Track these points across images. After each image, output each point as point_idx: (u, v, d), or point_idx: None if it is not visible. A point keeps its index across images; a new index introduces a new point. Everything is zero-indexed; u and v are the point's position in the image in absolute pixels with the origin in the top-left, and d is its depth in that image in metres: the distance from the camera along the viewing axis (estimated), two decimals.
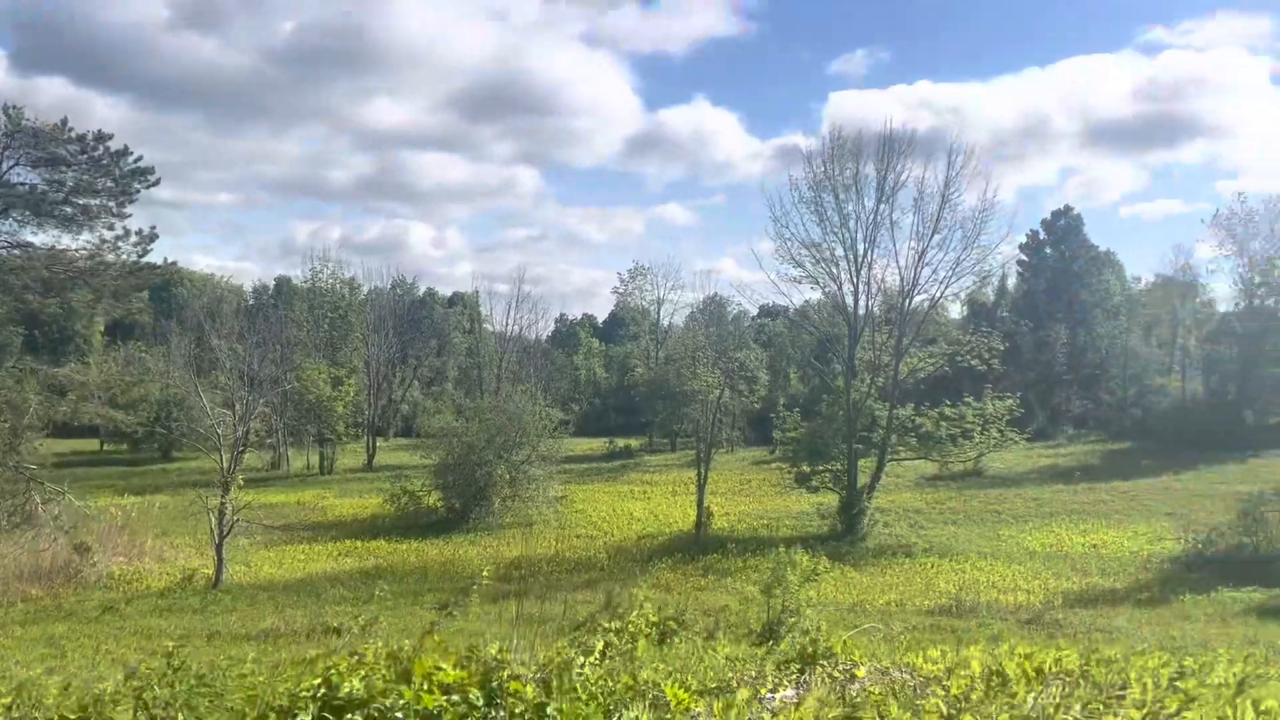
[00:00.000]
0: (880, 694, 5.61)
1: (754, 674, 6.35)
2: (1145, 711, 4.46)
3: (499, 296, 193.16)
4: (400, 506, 54.33)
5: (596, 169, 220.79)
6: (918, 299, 53.61)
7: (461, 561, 43.81)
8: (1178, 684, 5.20)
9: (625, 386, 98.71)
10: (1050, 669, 6.85)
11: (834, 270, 52.11)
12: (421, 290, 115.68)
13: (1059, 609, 33.22)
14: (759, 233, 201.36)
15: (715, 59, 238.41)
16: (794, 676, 6.60)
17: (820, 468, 51.65)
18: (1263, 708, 4.36)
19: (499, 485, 52.37)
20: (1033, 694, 5.04)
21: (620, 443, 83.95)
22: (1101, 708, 4.69)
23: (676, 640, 9.74)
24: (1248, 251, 74.95)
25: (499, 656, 6.24)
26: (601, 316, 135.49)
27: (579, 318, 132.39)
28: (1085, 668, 7.16)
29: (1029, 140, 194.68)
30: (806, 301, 67.11)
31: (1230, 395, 75.58)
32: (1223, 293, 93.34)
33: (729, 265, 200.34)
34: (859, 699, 5.73)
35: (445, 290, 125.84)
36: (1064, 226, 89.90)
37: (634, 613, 6.98)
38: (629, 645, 6.92)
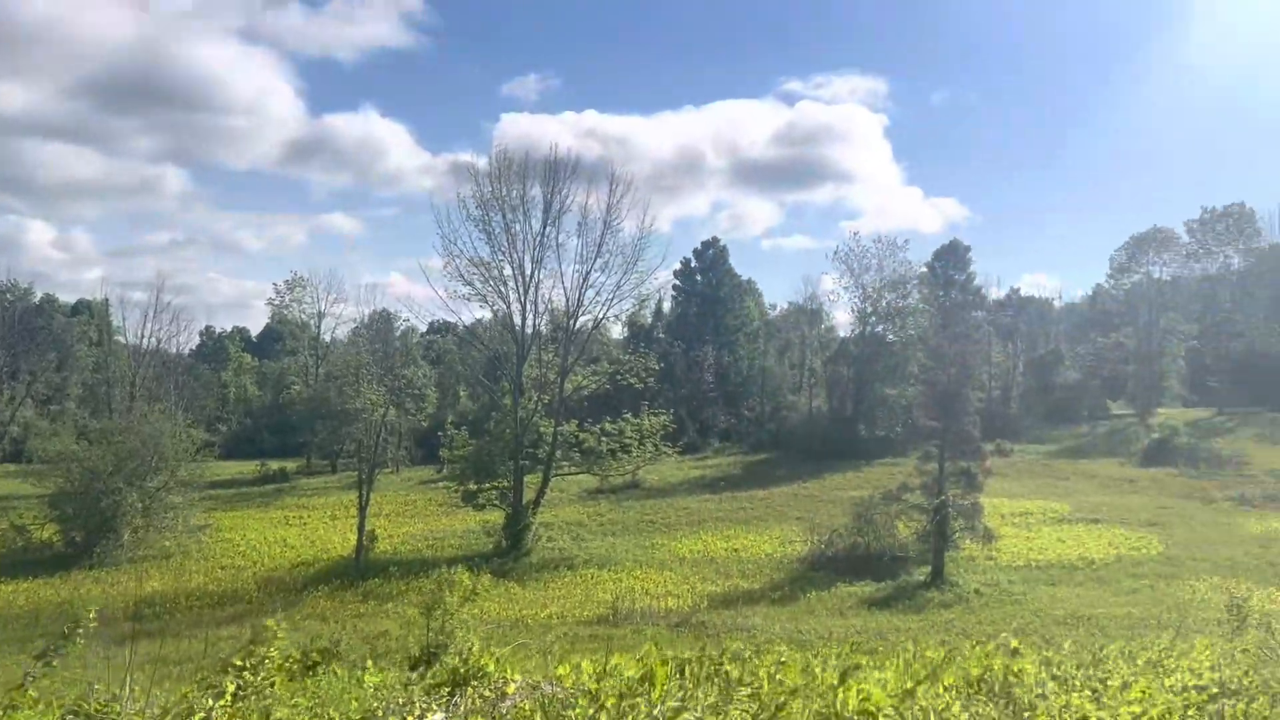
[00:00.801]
0: (530, 709, 5.63)
1: (402, 701, 6.12)
2: (759, 705, 4.81)
3: (134, 306, 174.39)
4: (7, 542, 47.39)
5: (253, 172, 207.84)
6: (582, 319, 55.57)
7: (84, 601, 38.89)
8: (779, 677, 5.69)
9: (281, 405, 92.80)
10: (690, 670, 7.26)
11: (503, 289, 52.68)
12: (38, 296, 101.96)
13: (705, 611, 35.61)
14: (430, 248, 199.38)
15: (386, 69, 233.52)
16: (444, 700, 6.46)
17: (487, 485, 51.73)
18: (862, 696, 4.87)
19: (130, 515, 47.33)
20: (670, 696, 5.29)
21: (274, 465, 78.82)
22: (723, 703, 5.01)
23: (322, 673, 9.22)
24: (862, 284, 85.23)
25: (104, 709, 5.54)
26: (255, 330, 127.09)
27: (229, 331, 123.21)
28: (719, 665, 7.67)
29: (685, 174, 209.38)
30: (477, 319, 67.25)
31: (848, 411, 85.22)
32: (842, 320, 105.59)
33: (399, 280, 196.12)
34: (509, 716, 5.71)
35: (69, 297, 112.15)
36: (712, 256, 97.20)
37: (271, 647, 6.49)
38: (267, 683, 6.41)
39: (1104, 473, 69.16)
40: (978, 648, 7.68)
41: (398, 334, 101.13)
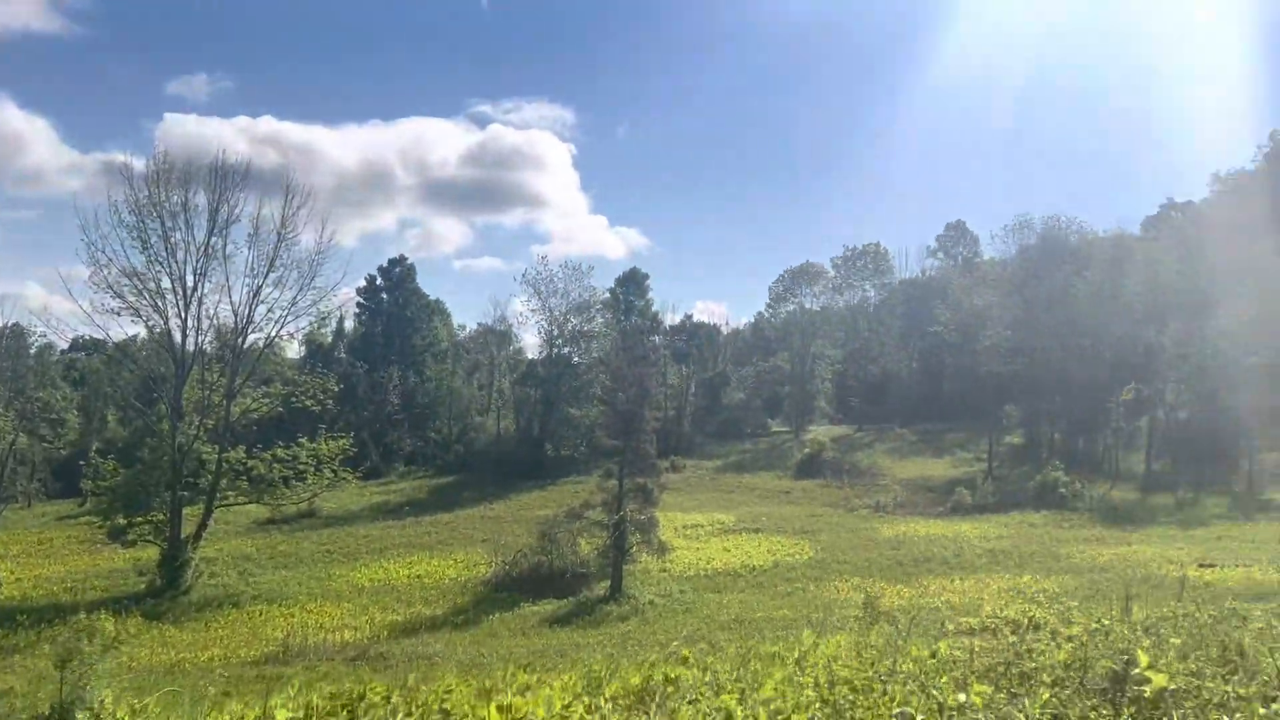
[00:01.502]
0: None
1: None
2: None
3: None
4: None
5: None
6: (253, 337, 52.05)
7: None
8: (444, 705, 5.65)
9: None
10: (360, 708, 6.99)
11: (160, 303, 48.13)
12: None
13: (386, 641, 34.44)
14: (74, 256, 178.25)
15: (27, 56, 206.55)
16: None
17: (139, 519, 46.88)
18: (519, 716, 4.95)
19: None
20: None
21: None
22: None
23: None
24: (550, 307, 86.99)
25: None
26: None
27: None
28: (390, 699, 7.45)
29: (373, 189, 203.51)
30: (129, 336, 60.99)
31: (535, 431, 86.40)
32: (530, 342, 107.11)
33: (37, 291, 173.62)
34: None
35: None
36: (399, 274, 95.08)
37: None
38: None
39: (764, 485, 75.23)
40: (640, 658, 8.03)
41: (32, 351, 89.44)
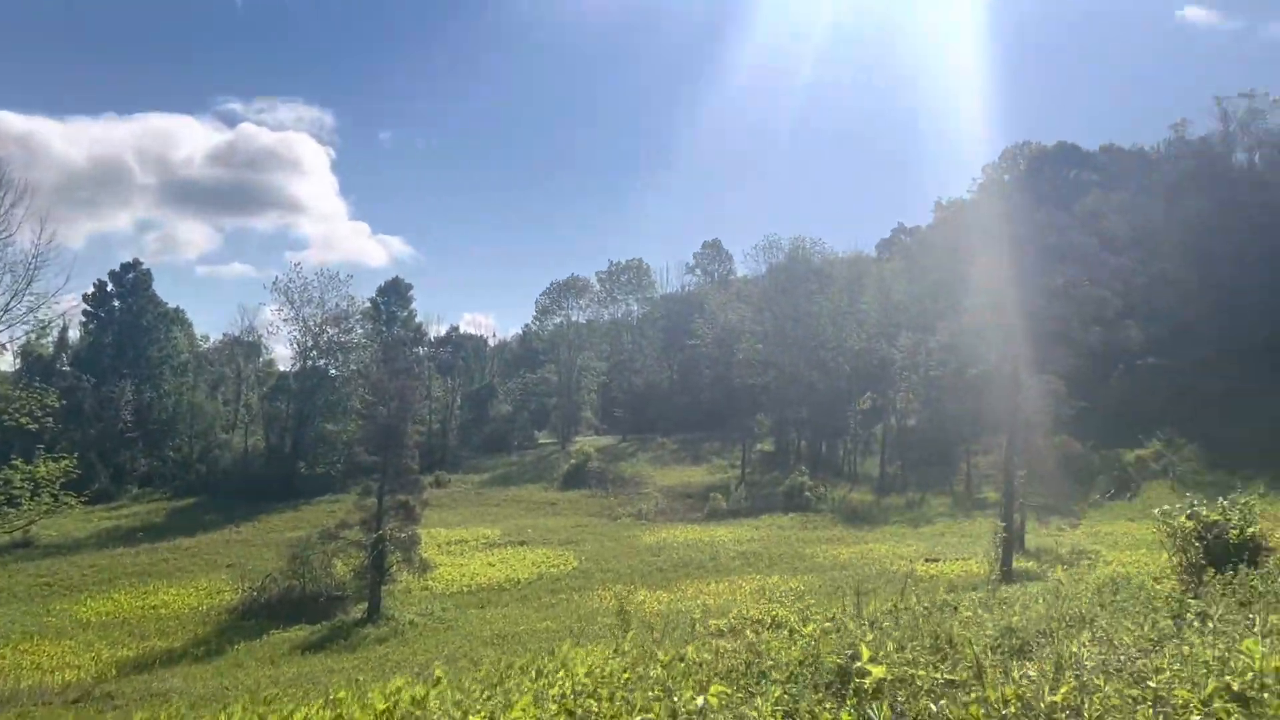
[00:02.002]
0: None
1: None
2: None
3: None
4: None
5: None
6: None
7: None
8: None
9: None
10: None
11: None
12: None
13: (114, 680, 31.49)
14: None
15: None
16: None
17: None
18: None
19: None
20: None
21: None
22: None
23: None
24: (304, 316, 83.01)
25: None
26: None
27: None
28: None
29: (105, 187, 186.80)
30: None
31: (287, 448, 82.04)
32: (282, 353, 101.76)
33: None
34: None
35: None
36: (133, 280, 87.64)
37: None
38: None
39: (531, 497, 75.22)
40: (386, 681, 7.75)
41: None
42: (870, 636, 7.42)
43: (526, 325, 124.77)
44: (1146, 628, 7.69)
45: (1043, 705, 4.44)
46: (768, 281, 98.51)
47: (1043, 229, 50.60)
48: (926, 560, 45.02)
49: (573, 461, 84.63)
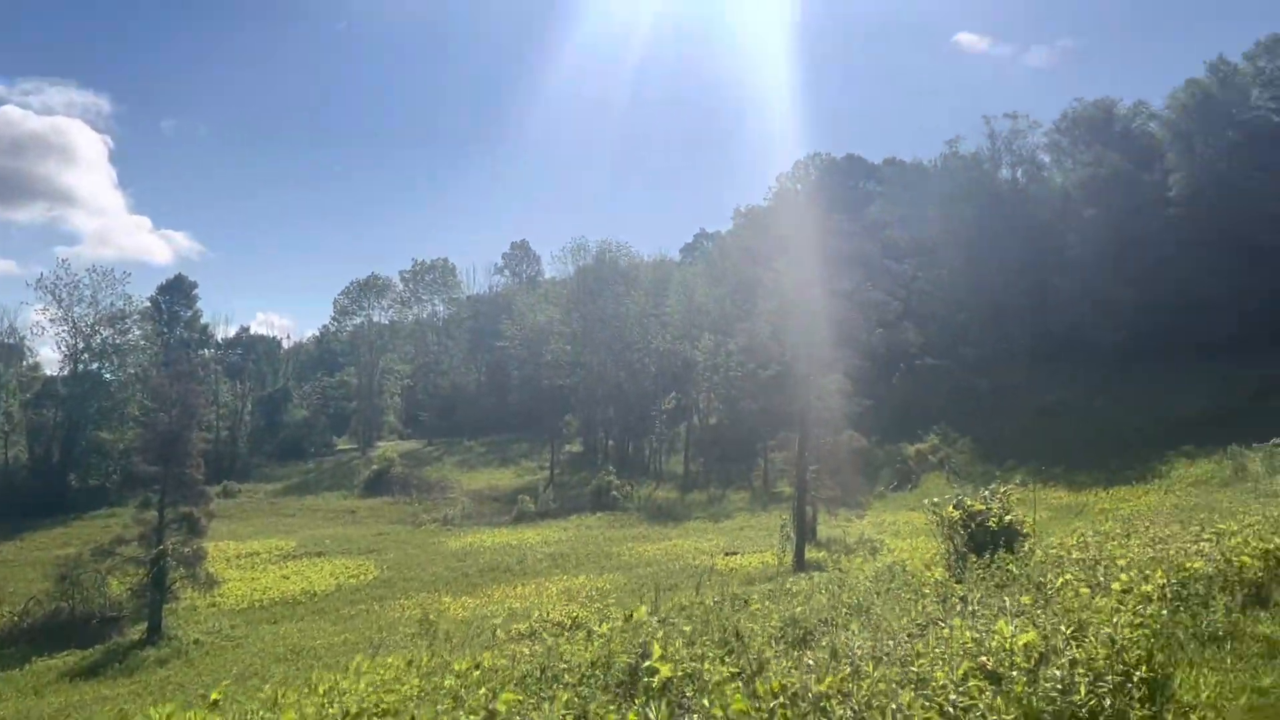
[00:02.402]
0: None
1: None
2: None
3: None
4: None
5: None
6: None
7: None
8: None
9: None
10: None
11: None
12: None
13: None
14: None
15: None
16: None
17: None
18: None
19: None
20: None
21: None
22: None
23: None
24: (74, 317, 76.49)
25: None
26: None
27: None
28: None
29: None
30: None
31: (55, 459, 75.36)
32: (49, 356, 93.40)
33: None
34: None
35: None
36: None
37: None
38: None
39: (329, 506, 72.39)
40: (153, 709, 7.24)
41: None
42: (661, 634, 7.57)
43: (325, 326, 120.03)
44: (915, 613, 8.23)
45: (810, 695, 4.65)
46: (576, 283, 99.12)
47: (831, 236, 53.30)
48: (726, 554, 46.52)
49: (374, 467, 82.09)
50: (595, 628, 10.31)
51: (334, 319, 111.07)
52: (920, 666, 5.48)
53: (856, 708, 4.81)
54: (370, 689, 7.79)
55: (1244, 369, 62.82)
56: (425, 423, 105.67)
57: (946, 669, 5.53)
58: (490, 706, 5.66)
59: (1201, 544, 9.84)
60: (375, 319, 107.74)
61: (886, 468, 69.81)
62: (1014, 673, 5.63)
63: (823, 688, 4.73)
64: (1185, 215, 73.53)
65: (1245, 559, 9.44)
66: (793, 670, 5.93)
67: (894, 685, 5.07)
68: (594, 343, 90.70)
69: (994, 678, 5.64)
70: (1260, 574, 9.36)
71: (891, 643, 6.46)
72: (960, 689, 5.25)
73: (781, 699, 4.52)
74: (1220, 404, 59.75)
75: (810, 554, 43.43)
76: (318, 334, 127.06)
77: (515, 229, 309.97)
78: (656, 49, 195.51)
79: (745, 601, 11.19)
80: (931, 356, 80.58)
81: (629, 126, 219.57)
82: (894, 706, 4.71)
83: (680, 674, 6.10)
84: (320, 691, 9.45)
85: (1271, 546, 10.11)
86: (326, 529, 62.92)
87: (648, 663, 6.00)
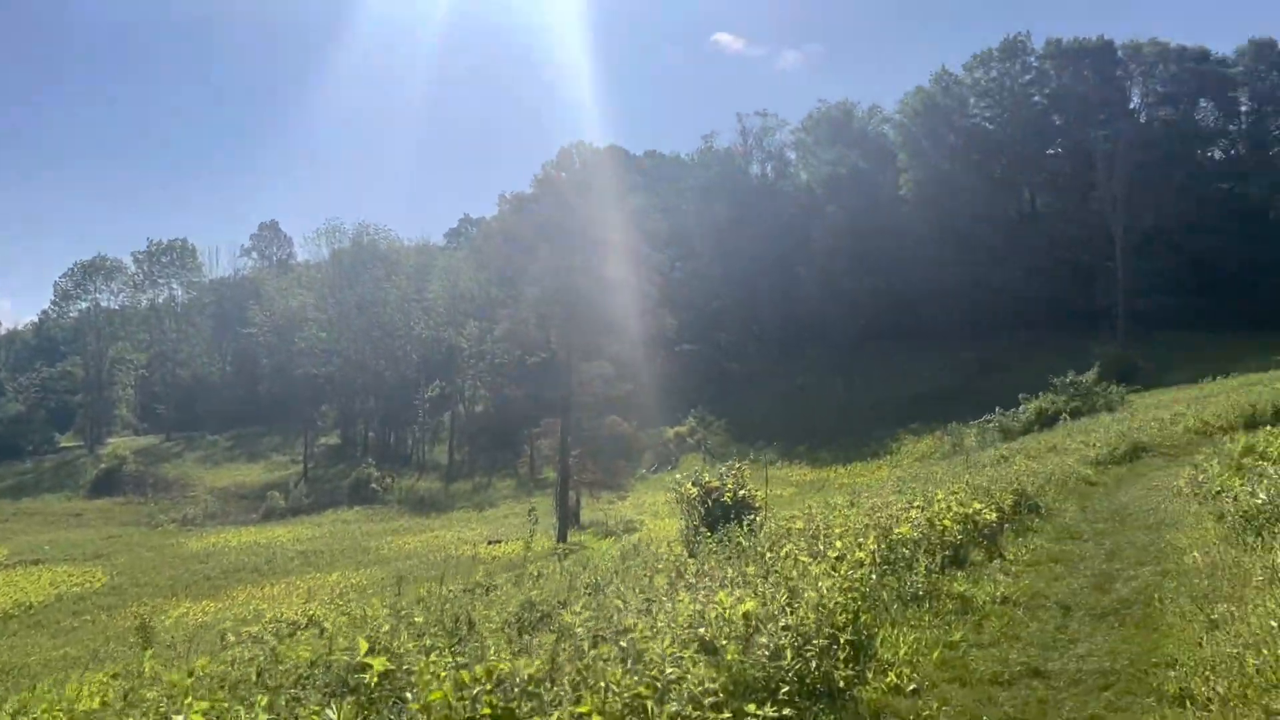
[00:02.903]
0: None
1: None
2: None
3: None
4: None
5: None
6: None
7: None
8: None
9: None
10: None
11: None
12: None
13: None
14: None
15: None
16: None
17: None
18: None
19: None
20: None
21: None
22: None
23: None
24: None
25: None
26: None
27: None
28: None
29: None
30: None
31: None
32: None
33: None
34: None
35: None
36: None
37: None
38: None
39: (50, 509, 65.65)
40: None
41: None
42: (386, 628, 7.24)
43: (44, 312, 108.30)
44: (646, 589, 8.33)
45: (519, 679, 4.53)
46: (332, 267, 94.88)
47: (593, 224, 54.05)
48: (490, 542, 46.15)
49: (104, 466, 75.13)
50: (328, 626, 9.81)
51: (55, 304, 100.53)
52: (639, 641, 5.50)
53: (568, 687, 4.74)
54: (56, 707, 6.99)
55: (966, 352, 69.49)
56: (163, 416, 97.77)
57: (664, 642, 5.58)
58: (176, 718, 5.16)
59: (911, 512, 10.64)
60: (104, 304, 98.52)
61: (649, 450, 71.66)
62: (727, 642, 5.76)
63: (532, 670, 4.62)
64: (915, 212, 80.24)
65: (947, 523, 10.27)
66: (518, 655, 5.80)
67: (602, 663, 5.04)
68: (352, 330, 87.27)
69: (709, 648, 5.75)
70: (959, 537, 10.23)
71: (615, 620, 6.47)
72: (676, 662, 5.30)
73: (488, 684, 4.37)
74: (944, 384, 65.75)
75: (574, 537, 43.89)
76: (36, 321, 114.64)
77: (264, 209, 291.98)
78: (419, 29, 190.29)
79: (487, 589, 11.01)
80: (689, 343, 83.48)
81: (391, 108, 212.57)
82: (604, 684, 4.67)
83: (399, 668, 5.82)
84: (9, 714, 8.55)
85: (970, 511, 11.09)
86: (46, 534, 56.93)
87: (358, 658, 5.68)
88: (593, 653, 5.27)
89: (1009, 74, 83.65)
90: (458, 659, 6.37)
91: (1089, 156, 77.20)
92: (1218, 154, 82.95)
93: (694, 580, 8.00)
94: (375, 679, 5.61)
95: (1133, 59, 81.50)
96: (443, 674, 4.71)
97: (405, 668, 5.92)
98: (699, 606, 6.66)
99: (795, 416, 69.55)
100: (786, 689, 5.56)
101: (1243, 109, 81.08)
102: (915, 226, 78.16)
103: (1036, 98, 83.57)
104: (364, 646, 5.74)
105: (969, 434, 45.40)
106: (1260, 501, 10.37)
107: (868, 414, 65.66)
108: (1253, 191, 76.79)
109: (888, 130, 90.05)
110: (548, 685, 4.69)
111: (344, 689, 5.97)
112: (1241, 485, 11.96)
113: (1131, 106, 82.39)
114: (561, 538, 42.01)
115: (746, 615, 6.46)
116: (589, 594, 9.08)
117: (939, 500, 11.43)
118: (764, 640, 5.95)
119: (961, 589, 8.48)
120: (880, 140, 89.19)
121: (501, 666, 4.54)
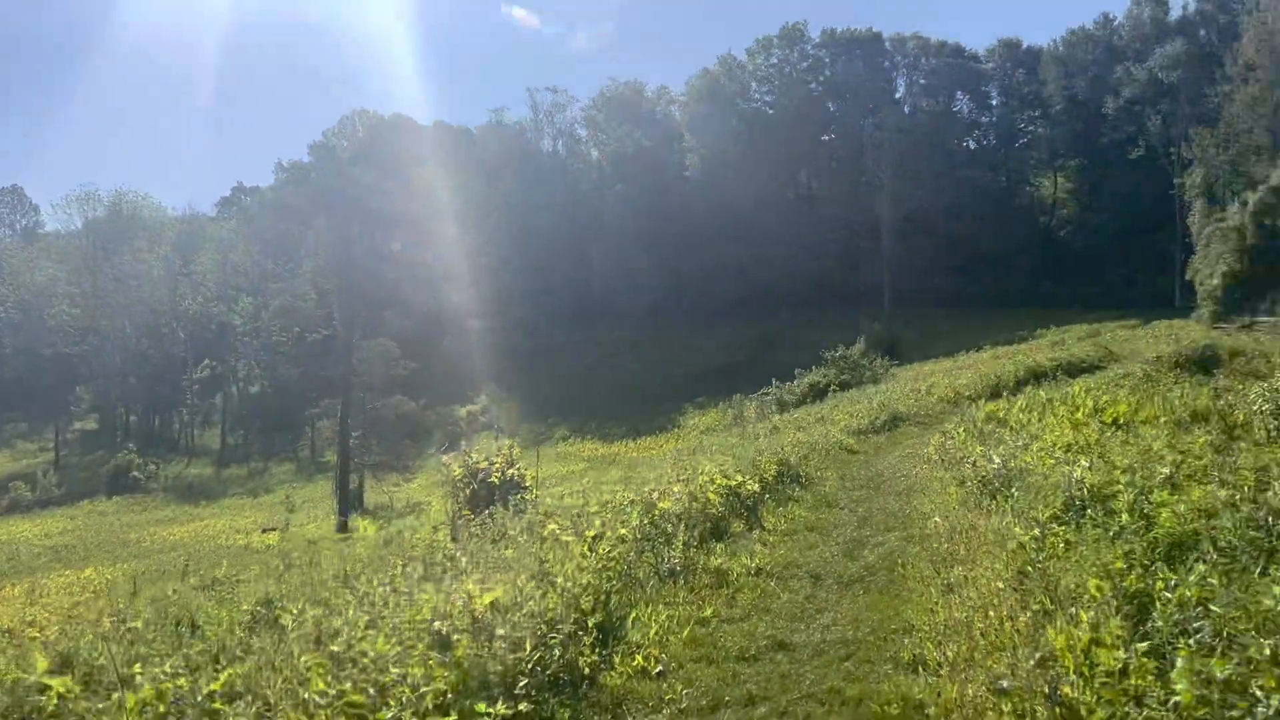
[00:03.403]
0: None
1: None
2: None
3: None
4: None
5: None
6: None
7: None
8: None
9: None
10: None
11: None
12: None
13: None
14: None
15: None
16: None
17: None
18: None
19: None
20: None
21: None
22: None
23: None
24: None
25: None
26: None
27: None
28: None
29: None
30: None
31: None
32: None
33: None
34: None
35: None
36: None
37: None
38: None
39: None
40: None
41: None
42: (90, 636, 6.42)
43: None
44: (399, 578, 7.84)
45: (198, 697, 4.00)
46: (86, 238, 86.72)
47: (376, 195, 52.00)
48: (265, 530, 43.71)
49: None
50: (34, 634, 8.73)
51: None
52: (359, 642, 5.05)
53: (270, 702, 4.23)
54: None
55: (749, 328, 72.03)
56: None
57: (384, 642, 5.17)
58: None
59: (675, 486, 10.65)
60: None
61: (438, 430, 70.06)
62: (460, 635, 5.41)
63: (217, 686, 4.10)
64: (700, 192, 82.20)
65: (710, 496, 10.34)
66: (232, 663, 5.21)
67: (308, 670, 4.56)
68: (110, 305, 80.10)
69: (444, 643, 5.38)
70: (721, 509, 10.33)
71: (349, 616, 5.97)
72: (398, 661, 4.90)
73: (161, 707, 3.81)
74: (729, 359, 67.91)
75: (357, 521, 42.22)
76: None
77: (3, 174, 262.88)
78: None
79: (235, 583, 10.15)
80: (481, 319, 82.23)
81: (162, 68, 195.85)
82: (306, 696, 4.20)
83: (84, 688, 5.09)
84: None
85: (734, 483, 11.24)
86: None
87: (32, 678, 4.92)
88: (304, 658, 4.77)
89: (789, 61, 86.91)
90: (164, 670, 5.72)
91: (860, 143, 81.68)
92: (972, 144, 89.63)
93: (448, 568, 7.59)
94: (54, 702, 4.88)
95: (898, 51, 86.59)
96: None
97: (96, 685, 5.21)
98: (444, 597, 6.27)
99: (587, 393, 69.90)
100: (526, 682, 5.28)
101: (994, 103, 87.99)
102: (700, 206, 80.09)
103: (813, 84, 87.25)
104: (41, 665, 4.98)
105: (749, 406, 46.99)
106: (995, 466, 11.06)
107: (657, 389, 66.88)
108: (1002, 180, 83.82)
109: (675, 112, 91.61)
110: (248, 700, 4.17)
111: (20, 714, 5.18)
112: (982, 451, 12.77)
113: (897, 96, 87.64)
114: (342, 523, 40.29)
115: (495, 604, 6.14)
116: (338, 586, 8.47)
117: (704, 473, 11.51)
118: (505, 631, 5.65)
119: (718, 562, 8.50)
120: (668, 121, 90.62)
121: (179, 685, 3.98)
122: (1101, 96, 73.78)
